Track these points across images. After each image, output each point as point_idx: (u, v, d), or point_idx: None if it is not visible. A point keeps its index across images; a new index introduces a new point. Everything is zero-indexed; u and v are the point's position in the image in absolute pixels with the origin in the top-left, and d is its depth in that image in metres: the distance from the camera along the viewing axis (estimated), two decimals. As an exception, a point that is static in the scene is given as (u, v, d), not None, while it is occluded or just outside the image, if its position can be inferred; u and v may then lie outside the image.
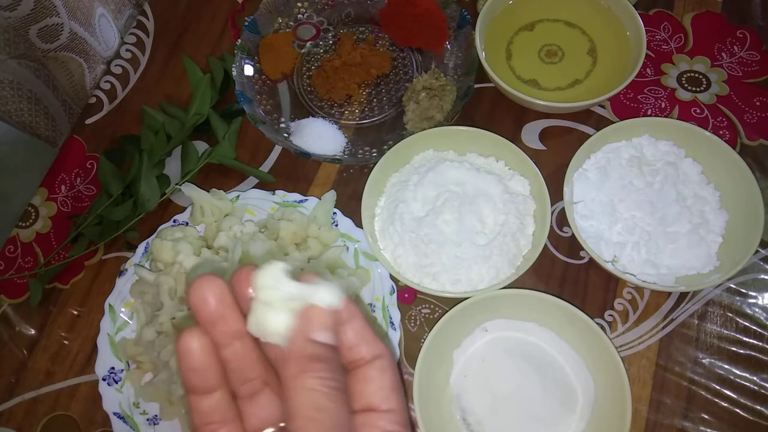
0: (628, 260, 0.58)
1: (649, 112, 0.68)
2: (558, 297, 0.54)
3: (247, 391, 0.27)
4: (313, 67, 0.73)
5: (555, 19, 0.71)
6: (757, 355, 0.58)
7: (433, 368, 0.54)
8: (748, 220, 0.57)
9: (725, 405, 0.56)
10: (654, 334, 0.59)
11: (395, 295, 0.59)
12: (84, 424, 0.60)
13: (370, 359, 0.27)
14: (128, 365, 0.58)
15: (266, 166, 0.69)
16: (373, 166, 0.61)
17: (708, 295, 0.60)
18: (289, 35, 0.74)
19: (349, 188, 0.67)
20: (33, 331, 0.64)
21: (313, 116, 0.70)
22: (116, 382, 0.58)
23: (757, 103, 0.68)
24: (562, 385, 0.55)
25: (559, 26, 0.71)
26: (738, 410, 0.56)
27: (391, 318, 0.58)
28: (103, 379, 0.57)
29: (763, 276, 0.61)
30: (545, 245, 0.61)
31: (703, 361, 0.58)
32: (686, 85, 0.69)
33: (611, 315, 0.60)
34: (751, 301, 0.60)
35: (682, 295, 0.60)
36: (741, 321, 0.59)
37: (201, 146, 0.70)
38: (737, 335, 0.58)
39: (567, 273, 0.62)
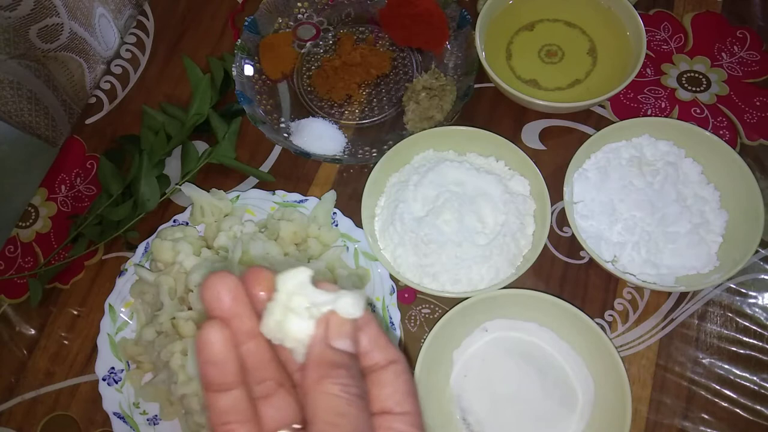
0: (628, 260, 0.58)
1: (649, 112, 0.68)
2: (558, 297, 0.54)
3: (262, 391, 0.27)
4: (313, 67, 0.73)
5: (555, 19, 0.71)
6: (757, 355, 0.58)
7: (433, 368, 0.54)
8: (748, 220, 0.57)
9: (725, 405, 0.56)
10: (654, 334, 0.59)
11: (395, 295, 0.59)
12: (84, 424, 0.60)
13: (385, 364, 0.27)
14: (128, 365, 0.58)
15: (266, 166, 0.69)
16: (373, 166, 0.61)
17: (708, 295, 0.60)
18: (289, 35, 0.74)
19: (349, 188, 0.67)
20: (33, 331, 0.64)
21: (313, 116, 0.70)
22: (116, 382, 0.58)
23: (757, 103, 0.68)
24: (562, 385, 0.55)
25: (559, 26, 0.71)
26: (738, 410, 0.56)
27: (391, 318, 0.58)
28: (103, 379, 0.57)
29: (763, 276, 0.61)
30: (545, 245, 0.61)
31: (703, 361, 0.58)
32: (686, 85, 0.69)
33: (611, 315, 0.60)
34: (751, 301, 0.60)
35: (682, 295, 0.60)
36: (741, 321, 0.59)
37: (201, 146, 0.70)
38: (737, 335, 0.58)
39: (567, 273, 0.62)
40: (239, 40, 0.71)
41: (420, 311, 0.61)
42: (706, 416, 0.56)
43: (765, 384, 0.57)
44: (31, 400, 0.61)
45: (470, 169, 0.61)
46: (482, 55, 0.65)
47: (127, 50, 0.78)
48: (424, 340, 0.53)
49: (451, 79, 0.69)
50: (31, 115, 0.71)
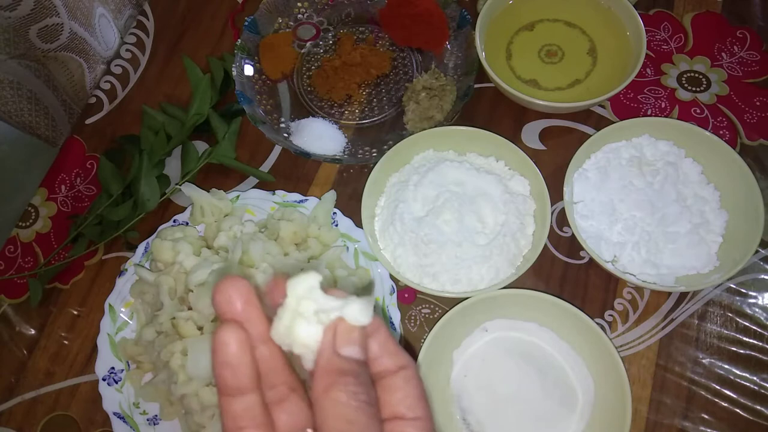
0: (628, 260, 0.58)
1: (649, 112, 0.68)
2: (558, 297, 0.54)
3: (275, 396, 0.26)
4: (313, 67, 0.73)
5: (555, 19, 0.71)
6: (757, 355, 0.58)
7: (433, 368, 0.54)
8: (748, 220, 0.57)
9: (725, 405, 0.56)
10: (654, 334, 0.59)
11: (395, 295, 0.59)
12: (84, 424, 0.60)
13: (395, 370, 0.27)
14: (128, 365, 0.58)
15: (266, 166, 0.69)
16: (373, 166, 0.61)
17: (708, 295, 0.60)
18: (289, 35, 0.74)
19: (349, 188, 0.67)
20: (33, 331, 0.64)
21: (313, 116, 0.70)
22: (116, 382, 0.58)
23: (757, 103, 0.68)
24: (562, 385, 0.55)
25: (559, 26, 0.71)
26: (738, 410, 0.56)
27: (391, 318, 0.58)
28: (103, 379, 0.57)
29: (763, 276, 0.61)
30: (545, 245, 0.61)
31: (703, 361, 0.58)
32: (686, 85, 0.69)
33: (611, 315, 0.60)
34: (751, 301, 0.60)
35: (682, 295, 0.60)
36: (741, 321, 0.59)
37: (201, 146, 0.70)
38: (737, 335, 0.58)
39: (567, 273, 0.62)
40: (239, 40, 0.71)
41: (420, 311, 0.61)
42: (706, 416, 0.56)
43: (765, 384, 0.57)
44: (31, 400, 0.61)
45: (470, 169, 0.61)
46: (482, 55, 0.65)
47: (127, 50, 0.78)
48: (424, 340, 0.53)
49: (451, 79, 0.69)
50: (31, 115, 0.71)
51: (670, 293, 0.60)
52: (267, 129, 0.66)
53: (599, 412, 0.53)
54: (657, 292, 0.60)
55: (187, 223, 0.63)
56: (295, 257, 0.58)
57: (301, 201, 0.63)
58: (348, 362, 0.26)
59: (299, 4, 0.75)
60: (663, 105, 0.69)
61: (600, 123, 0.68)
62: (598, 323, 0.58)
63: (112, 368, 0.58)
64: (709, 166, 0.61)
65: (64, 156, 0.72)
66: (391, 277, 0.59)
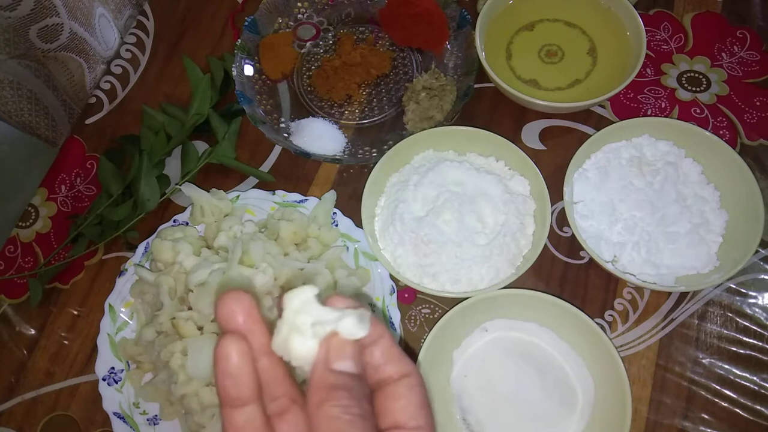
0: (628, 260, 0.58)
1: (649, 112, 0.68)
2: (558, 297, 0.54)
3: (276, 408, 0.27)
4: (313, 67, 0.73)
5: (555, 19, 0.71)
6: (757, 355, 0.58)
7: (433, 368, 0.54)
8: (748, 220, 0.57)
9: (725, 405, 0.56)
10: (654, 334, 0.59)
11: (395, 295, 0.59)
12: (84, 424, 0.60)
13: (398, 378, 0.27)
14: (128, 365, 0.58)
15: (266, 166, 0.69)
16: (373, 166, 0.61)
17: (708, 295, 0.60)
18: (289, 35, 0.74)
19: (349, 188, 0.67)
20: (33, 331, 0.64)
21: (313, 116, 0.70)
22: (116, 382, 0.58)
23: (757, 103, 0.68)
24: (562, 385, 0.55)
25: (559, 26, 0.71)
26: (738, 410, 0.56)
27: (391, 318, 0.58)
28: (103, 379, 0.57)
29: (763, 276, 0.61)
30: (545, 245, 0.61)
31: (703, 361, 0.58)
32: (686, 85, 0.69)
33: (611, 315, 0.60)
34: (751, 301, 0.60)
35: (682, 295, 0.60)
36: (741, 321, 0.59)
37: (201, 146, 0.70)
38: (737, 335, 0.58)
39: (567, 273, 0.62)
40: (239, 40, 0.71)
41: (420, 311, 0.61)
42: (706, 416, 0.56)
43: (765, 384, 0.57)
44: (31, 400, 0.61)
45: (470, 169, 0.61)
46: (482, 55, 0.65)
47: (127, 50, 0.78)
48: (424, 340, 0.53)
49: (451, 79, 0.69)
50: (31, 115, 0.71)
51: (670, 293, 0.60)
52: (267, 129, 0.66)
53: (599, 412, 0.53)
54: (657, 292, 0.60)
55: (187, 223, 0.63)
56: (295, 257, 0.58)
57: (301, 201, 0.63)
58: (340, 377, 0.26)
59: (299, 4, 0.75)
60: (663, 105, 0.69)
61: (600, 123, 0.68)
62: (598, 323, 0.58)
63: (112, 368, 0.58)
64: (709, 166, 0.61)
65: (64, 156, 0.72)
66: (391, 277, 0.59)
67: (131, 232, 0.65)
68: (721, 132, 0.67)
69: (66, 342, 0.63)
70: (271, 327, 0.27)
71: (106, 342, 0.59)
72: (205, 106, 0.68)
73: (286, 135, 0.68)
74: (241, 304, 0.26)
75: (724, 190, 0.60)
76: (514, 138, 0.66)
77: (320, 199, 0.63)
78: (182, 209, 0.65)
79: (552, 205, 0.59)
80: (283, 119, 0.70)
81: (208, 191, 0.62)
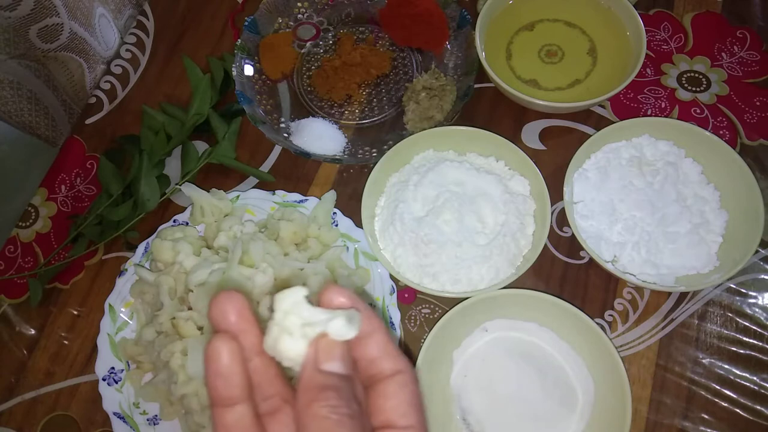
0: (628, 260, 0.58)
1: (649, 112, 0.68)
2: (558, 297, 0.54)
3: (268, 408, 0.27)
4: (313, 67, 0.73)
5: (555, 19, 0.71)
6: (757, 355, 0.58)
7: (433, 368, 0.54)
8: (748, 220, 0.57)
9: (725, 405, 0.56)
10: (654, 334, 0.59)
11: (395, 295, 0.59)
12: (84, 424, 0.60)
13: (391, 374, 0.27)
14: (128, 365, 0.58)
15: (266, 166, 0.69)
16: (373, 166, 0.61)
17: (708, 295, 0.60)
18: (289, 35, 0.74)
19: (349, 188, 0.67)
20: (33, 331, 0.64)
21: (313, 116, 0.70)
22: (116, 382, 0.58)
23: (757, 103, 0.68)
24: (562, 385, 0.55)
25: (559, 26, 0.71)
26: (738, 410, 0.56)
27: (391, 318, 0.58)
28: (103, 379, 0.57)
29: (763, 276, 0.61)
30: (545, 245, 0.61)
31: (703, 361, 0.58)
32: (686, 85, 0.69)
33: (611, 315, 0.60)
34: (751, 301, 0.60)
35: (682, 295, 0.60)
36: (741, 321, 0.59)
37: (201, 146, 0.70)
38: (737, 335, 0.58)
39: (567, 273, 0.62)
40: (239, 40, 0.71)
41: (420, 311, 0.61)
42: (706, 416, 0.56)
43: (765, 384, 0.57)
44: (31, 400, 0.61)
45: (470, 169, 0.61)
46: (482, 55, 0.65)
47: (127, 50, 0.78)
48: (424, 340, 0.53)
49: (451, 79, 0.69)
50: (31, 115, 0.71)
51: (670, 293, 0.60)
52: (267, 129, 0.66)
53: (599, 412, 0.53)
54: (657, 292, 0.60)
55: (187, 223, 0.63)
56: (295, 257, 0.58)
57: (301, 201, 0.63)
58: (329, 377, 0.26)
59: (299, 4, 0.75)
60: (663, 105, 0.69)
61: (600, 123, 0.68)
62: (598, 323, 0.58)
63: (112, 368, 0.58)
64: (709, 166, 0.61)
65: (64, 156, 0.72)
66: (391, 277, 0.59)
67: (131, 232, 0.65)
68: (721, 132, 0.67)
69: (66, 342, 0.63)
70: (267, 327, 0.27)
71: (106, 342, 0.59)
72: (205, 106, 0.68)
73: (286, 135, 0.68)
74: (233, 304, 0.27)
75: (724, 190, 0.60)
76: (514, 138, 0.66)
77: (320, 199, 0.63)
78: (182, 209, 0.65)
79: (552, 205, 0.59)
80: (283, 119, 0.70)
81: (208, 191, 0.62)
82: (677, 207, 0.59)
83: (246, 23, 0.71)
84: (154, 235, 0.62)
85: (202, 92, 0.68)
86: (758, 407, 0.56)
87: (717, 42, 0.71)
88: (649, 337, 0.59)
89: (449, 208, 0.58)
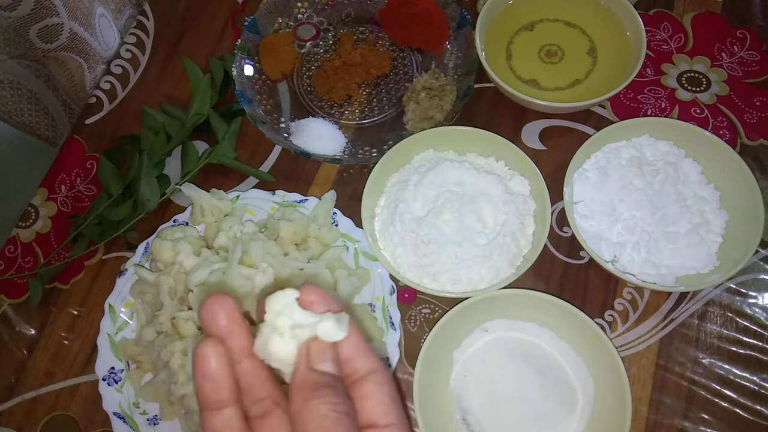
0: (628, 260, 0.58)
1: (649, 112, 0.68)
2: (558, 297, 0.54)
3: (258, 410, 0.27)
4: (313, 67, 0.73)
5: (555, 19, 0.71)
6: (757, 355, 0.58)
7: (433, 368, 0.54)
8: (748, 220, 0.57)
9: (725, 405, 0.56)
10: (654, 334, 0.59)
11: (395, 295, 0.59)
12: (84, 424, 0.60)
13: (365, 373, 0.28)
14: (128, 365, 0.58)
15: (266, 166, 0.69)
16: (373, 166, 0.61)
17: (708, 295, 0.60)
18: (289, 35, 0.74)
19: (349, 188, 0.67)
20: (33, 331, 0.64)
21: (313, 116, 0.70)
22: (116, 382, 0.58)
23: (757, 103, 0.68)
24: (562, 385, 0.55)
25: (559, 26, 0.71)
26: (738, 410, 0.56)
27: (391, 318, 0.58)
28: (103, 379, 0.57)
29: (763, 276, 0.61)
30: (545, 245, 0.61)
31: (703, 361, 0.58)
32: (686, 85, 0.69)
33: (611, 315, 0.60)
34: (751, 301, 0.60)
35: (682, 295, 0.60)
36: (741, 321, 0.59)
37: (201, 146, 0.70)
38: (737, 335, 0.58)
39: (567, 273, 0.62)
40: (239, 40, 0.71)
41: (420, 311, 0.61)
42: (706, 416, 0.56)
43: (765, 384, 0.57)
44: (31, 400, 0.61)
45: (470, 169, 0.61)
46: (482, 55, 0.65)
47: (127, 50, 0.78)
48: (424, 340, 0.53)
49: (451, 79, 0.69)
50: (31, 115, 0.71)
51: (670, 293, 0.60)
52: (267, 129, 0.66)
53: (599, 412, 0.53)
54: (657, 292, 0.60)
55: (187, 223, 0.63)
56: (295, 257, 0.58)
57: (301, 201, 0.63)
58: (324, 376, 0.26)
59: (299, 4, 0.75)
60: (663, 105, 0.69)
61: (600, 123, 0.68)
62: (598, 323, 0.58)
63: (112, 368, 0.58)
64: (709, 166, 0.61)
65: (64, 156, 0.72)
66: (391, 277, 0.59)
67: (131, 232, 0.65)
68: (721, 132, 0.67)
69: (66, 342, 0.63)
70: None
71: (106, 342, 0.59)
72: (205, 106, 0.68)
73: (286, 135, 0.68)
74: (223, 307, 0.27)
75: (724, 190, 0.60)
76: (514, 138, 0.66)
77: (320, 199, 0.63)
78: (182, 209, 0.65)
79: (552, 205, 0.59)
80: (283, 119, 0.70)
81: (208, 191, 0.62)
82: (677, 207, 0.59)
83: (246, 23, 0.71)
84: (154, 235, 0.62)
85: (202, 92, 0.68)
86: (758, 407, 0.56)
87: (717, 42, 0.71)
88: (649, 337, 0.59)
89: (449, 208, 0.58)
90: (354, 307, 0.58)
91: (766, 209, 0.56)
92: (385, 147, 0.65)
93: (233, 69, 0.69)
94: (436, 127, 0.63)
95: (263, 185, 0.66)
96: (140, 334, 0.57)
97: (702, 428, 0.56)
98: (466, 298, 0.54)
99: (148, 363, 0.57)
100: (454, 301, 0.54)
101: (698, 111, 0.68)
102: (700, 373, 0.57)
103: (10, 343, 0.63)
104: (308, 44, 0.74)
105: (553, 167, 0.64)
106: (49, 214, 0.69)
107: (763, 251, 0.61)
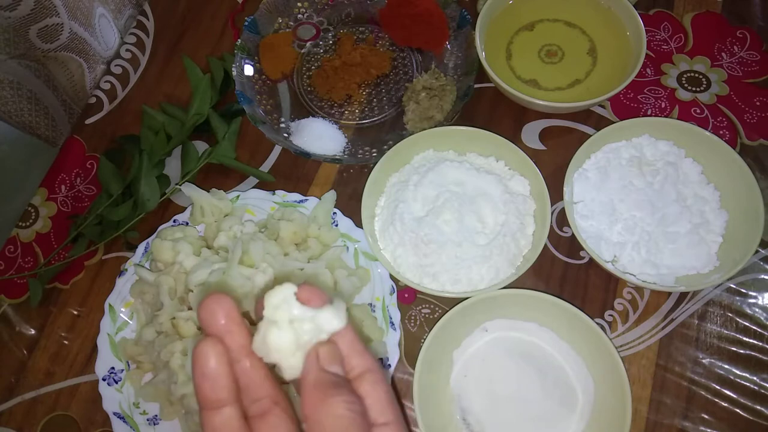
0: (628, 260, 0.58)
1: (649, 112, 0.68)
2: (558, 297, 0.54)
3: (258, 410, 0.27)
4: (313, 67, 0.73)
5: (555, 19, 0.71)
6: (757, 355, 0.58)
7: (433, 368, 0.54)
8: (748, 220, 0.57)
9: (725, 405, 0.56)
10: (654, 334, 0.59)
11: (395, 295, 0.59)
12: (84, 424, 0.60)
13: (360, 372, 0.28)
14: (128, 365, 0.58)
15: (266, 166, 0.69)
16: (373, 166, 0.61)
17: (708, 295, 0.60)
18: (289, 35, 0.74)
19: (349, 188, 0.67)
20: (33, 331, 0.64)
21: (313, 116, 0.70)
22: (116, 382, 0.58)
23: (757, 103, 0.68)
24: (562, 385, 0.55)
25: (559, 26, 0.71)
26: (738, 410, 0.56)
27: (391, 318, 0.58)
28: (103, 379, 0.57)
29: (763, 276, 0.61)
30: (545, 245, 0.61)
31: (703, 361, 0.58)
32: (686, 85, 0.69)
33: (611, 315, 0.60)
34: (751, 301, 0.60)
35: (682, 295, 0.60)
36: (741, 321, 0.59)
37: (201, 146, 0.70)
38: (737, 335, 0.58)
39: (567, 273, 0.62)
40: (239, 40, 0.71)
41: (420, 311, 0.61)
42: (706, 416, 0.56)
43: (765, 384, 0.57)
44: (31, 400, 0.61)
45: (470, 169, 0.61)
46: (482, 55, 0.65)
47: (127, 50, 0.78)
48: (424, 340, 0.53)
49: (451, 79, 0.69)
50: (31, 115, 0.71)
51: (670, 293, 0.60)
52: (267, 129, 0.66)
53: (599, 412, 0.53)
54: (657, 292, 0.60)
55: (187, 223, 0.63)
56: (295, 257, 0.58)
57: (301, 201, 0.63)
58: (337, 377, 0.27)
59: (299, 4, 0.75)
60: (663, 105, 0.69)
61: (600, 123, 0.68)
62: (598, 323, 0.58)
63: (112, 368, 0.58)
64: (709, 166, 0.61)
65: (64, 156, 0.72)
66: (391, 277, 0.59)
67: (131, 232, 0.65)
68: (721, 132, 0.67)
69: (66, 342, 0.63)
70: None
71: (106, 342, 0.59)
72: (205, 106, 0.68)
73: (286, 135, 0.68)
74: (222, 307, 0.27)
75: (724, 190, 0.60)
76: (514, 138, 0.66)
77: (320, 199, 0.63)
78: (182, 209, 0.65)
79: (552, 205, 0.59)
80: (283, 119, 0.70)
81: (208, 191, 0.62)
82: (677, 207, 0.59)
83: (246, 23, 0.71)
84: (154, 235, 0.62)
85: (202, 92, 0.68)
86: (758, 407, 0.56)
87: (717, 42, 0.71)
88: (649, 337, 0.59)
89: (449, 208, 0.58)
90: (354, 307, 0.58)
91: (766, 209, 0.56)
92: (385, 147, 0.65)
93: (233, 69, 0.69)
94: (436, 127, 0.63)
95: (263, 185, 0.66)
96: (140, 334, 0.57)
97: (702, 428, 0.56)
98: (466, 298, 0.54)
99: (148, 363, 0.57)
100: (454, 301, 0.54)
101: (698, 111, 0.68)
102: (700, 373, 0.57)
103: (10, 343, 0.64)
104: (308, 44, 0.74)
105: (553, 167, 0.64)
106: (49, 214, 0.69)
107: (763, 251, 0.61)
